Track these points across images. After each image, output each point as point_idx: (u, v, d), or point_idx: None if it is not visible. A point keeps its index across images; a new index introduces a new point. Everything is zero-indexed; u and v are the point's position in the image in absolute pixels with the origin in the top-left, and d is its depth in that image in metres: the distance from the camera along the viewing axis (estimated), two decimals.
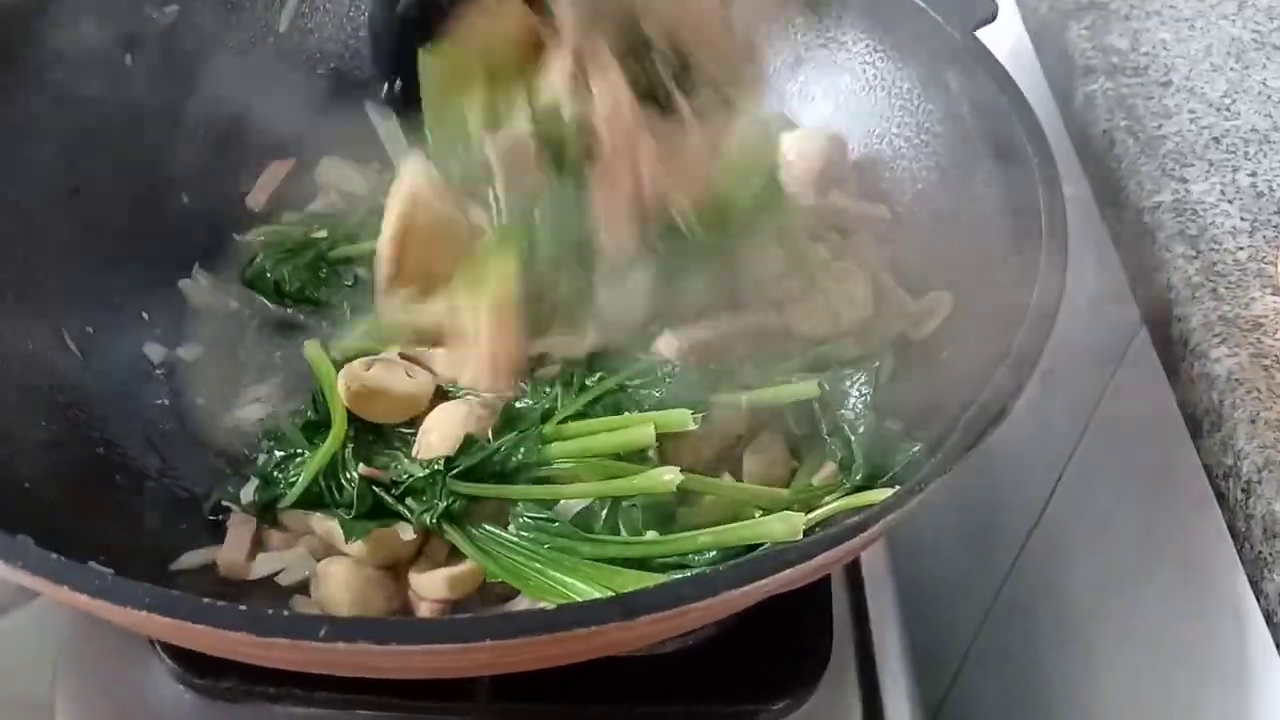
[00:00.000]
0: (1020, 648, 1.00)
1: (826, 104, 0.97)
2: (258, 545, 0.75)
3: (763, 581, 0.54)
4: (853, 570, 0.90)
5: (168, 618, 0.51)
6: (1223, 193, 0.79)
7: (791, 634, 0.84)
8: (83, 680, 0.85)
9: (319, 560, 0.73)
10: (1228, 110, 0.86)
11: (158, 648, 0.81)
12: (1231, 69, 0.89)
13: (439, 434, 0.73)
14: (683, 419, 0.69)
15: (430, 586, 0.70)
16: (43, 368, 0.80)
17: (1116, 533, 0.87)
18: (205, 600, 0.51)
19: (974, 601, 1.06)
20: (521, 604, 0.69)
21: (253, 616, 0.51)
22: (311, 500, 0.72)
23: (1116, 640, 0.86)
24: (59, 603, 0.56)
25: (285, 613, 0.56)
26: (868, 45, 0.94)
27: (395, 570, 0.73)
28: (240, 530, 0.74)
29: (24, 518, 0.61)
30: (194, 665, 0.80)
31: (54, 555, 0.54)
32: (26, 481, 0.71)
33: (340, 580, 0.70)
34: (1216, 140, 0.83)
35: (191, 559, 0.74)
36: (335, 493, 0.72)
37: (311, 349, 0.79)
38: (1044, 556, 0.98)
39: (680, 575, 0.64)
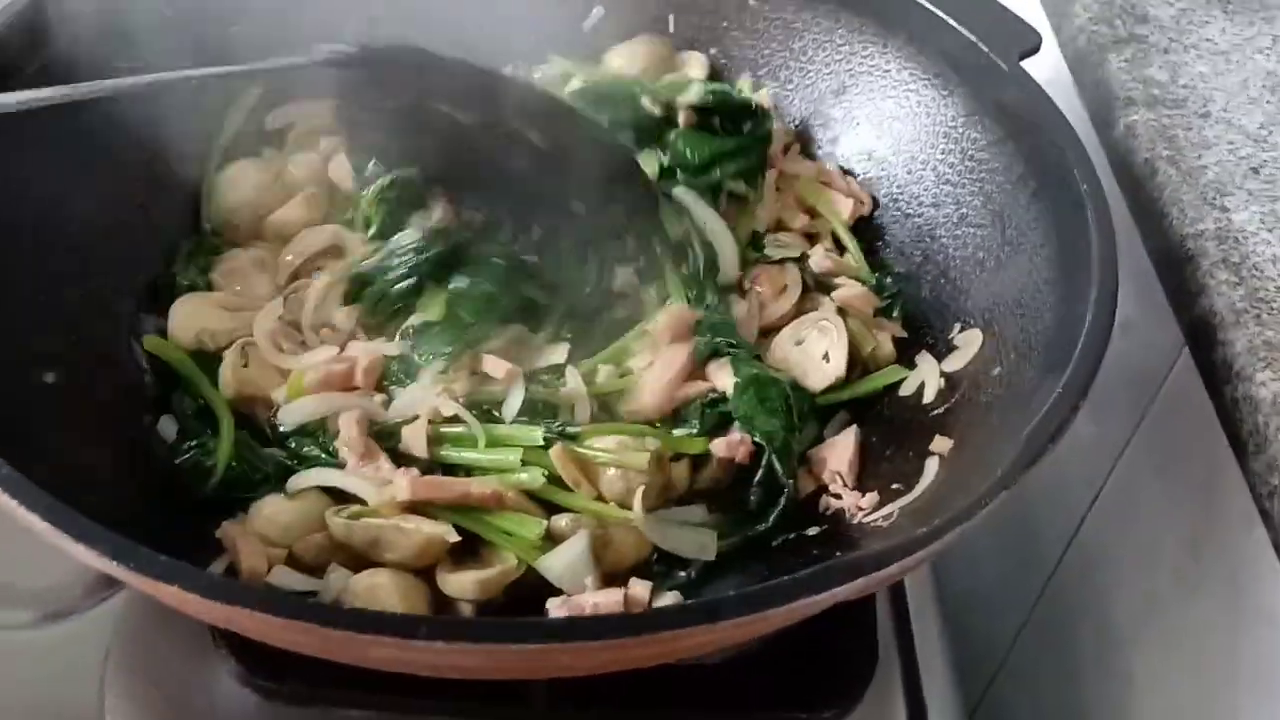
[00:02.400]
0: (1056, 662, 1.02)
1: (870, 130, 1.00)
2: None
3: (838, 589, 0.56)
4: (896, 584, 0.92)
5: (275, 616, 0.53)
6: (1263, 221, 0.82)
7: (838, 645, 0.86)
8: (137, 679, 0.87)
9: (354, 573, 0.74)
10: (1265, 141, 0.89)
11: (222, 646, 0.83)
12: (1268, 101, 0.92)
13: None
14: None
15: (460, 587, 0.73)
16: None
17: (1158, 550, 0.89)
18: (310, 601, 0.54)
19: (1010, 615, 1.08)
20: (556, 604, 0.72)
21: (356, 616, 0.53)
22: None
23: (1157, 657, 0.88)
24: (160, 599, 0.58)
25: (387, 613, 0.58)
26: (912, 73, 0.96)
27: (429, 573, 0.75)
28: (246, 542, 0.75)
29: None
30: (259, 665, 0.82)
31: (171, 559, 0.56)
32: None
33: (390, 589, 0.71)
34: (1255, 170, 0.86)
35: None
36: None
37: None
38: (1083, 571, 1.00)
39: None
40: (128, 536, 0.57)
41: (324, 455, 0.79)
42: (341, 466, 0.78)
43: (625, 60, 1.05)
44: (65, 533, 0.56)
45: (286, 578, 0.74)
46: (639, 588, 0.74)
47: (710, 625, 0.54)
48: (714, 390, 0.83)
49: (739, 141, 0.95)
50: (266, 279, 0.91)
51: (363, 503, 0.75)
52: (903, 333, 0.91)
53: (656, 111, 0.96)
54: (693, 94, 0.96)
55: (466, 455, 0.78)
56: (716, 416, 0.82)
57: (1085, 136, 0.94)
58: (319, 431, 0.81)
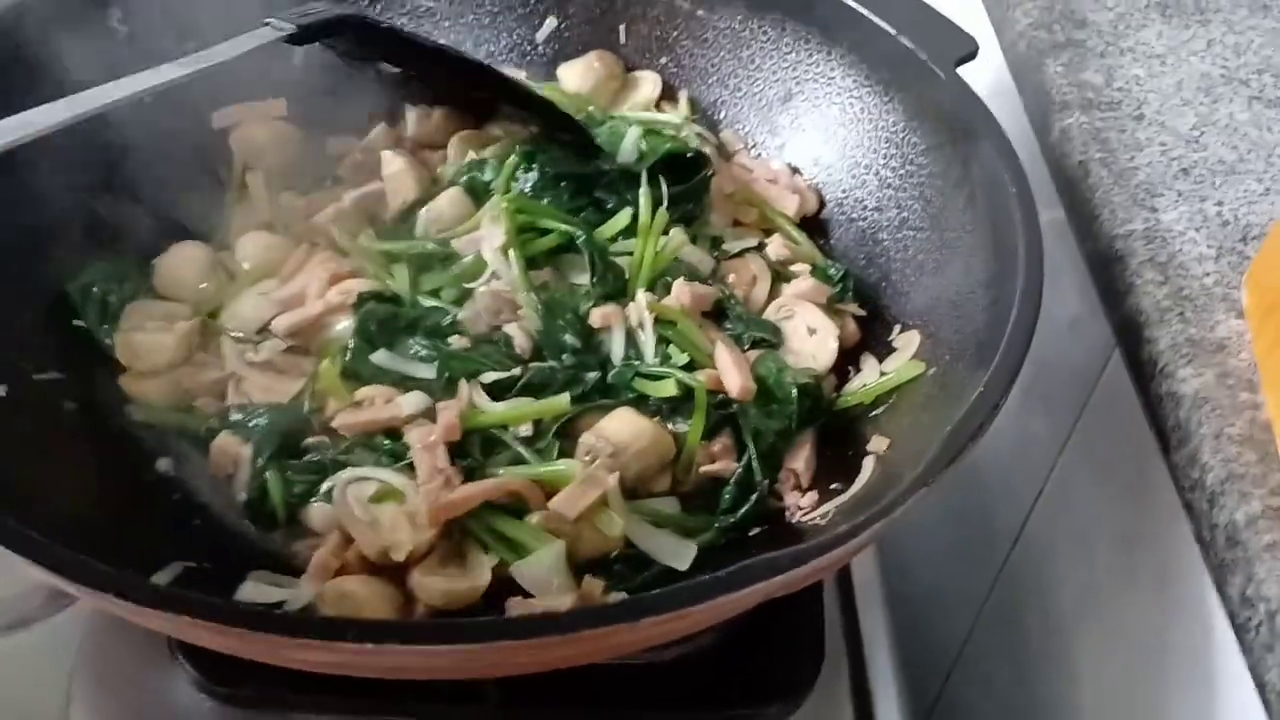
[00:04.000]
0: (1006, 655, 1.04)
1: (816, 136, 1.02)
2: None
3: (758, 586, 0.58)
4: (843, 580, 0.94)
5: (206, 621, 0.54)
6: (1190, 221, 0.84)
7: (785, 642, 0.88)
8: (100, 690, 0.88)
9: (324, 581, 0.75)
10: (1196, 142, 0.91)
11: (179, 655, 0.85)
12: (1201, 103, 0.94)
13: None
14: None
15: (429, 594, 0.74)
16: None
17: (1095, 543, 0.91)
18: (244, 605, 0.55)
19: (961, 611, 1.10)
20: (514, 604, 0.73)
21: (286, 620, 0.54)
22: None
23: (1097, 646, 0.90)
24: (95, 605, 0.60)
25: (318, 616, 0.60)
26: (855, 80, 0.99)
27: (399, 580, 0.76)
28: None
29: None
30: (214, 672, 0.84)
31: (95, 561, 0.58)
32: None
33: (356, 594, 0.73)
34: (1185, 171, 0.88)
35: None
36: None
37: None
38: (1028, 567, 1.02)
39: None
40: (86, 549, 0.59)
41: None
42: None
43: (577, 77, 1.07)
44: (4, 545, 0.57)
45: (257, 590, 0.75)
46: (592, 587, 0.75)
47: (632, 624, 0.56)
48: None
49: (685, 188, 0.95)
50: None
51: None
52: (861, 312, 0.93)
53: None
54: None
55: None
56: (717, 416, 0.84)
57: (1027, 141, 0.97)
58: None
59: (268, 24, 0.85)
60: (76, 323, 0.89)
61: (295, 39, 0.86)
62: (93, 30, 0.95)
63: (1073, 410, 0.95)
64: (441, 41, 1.07)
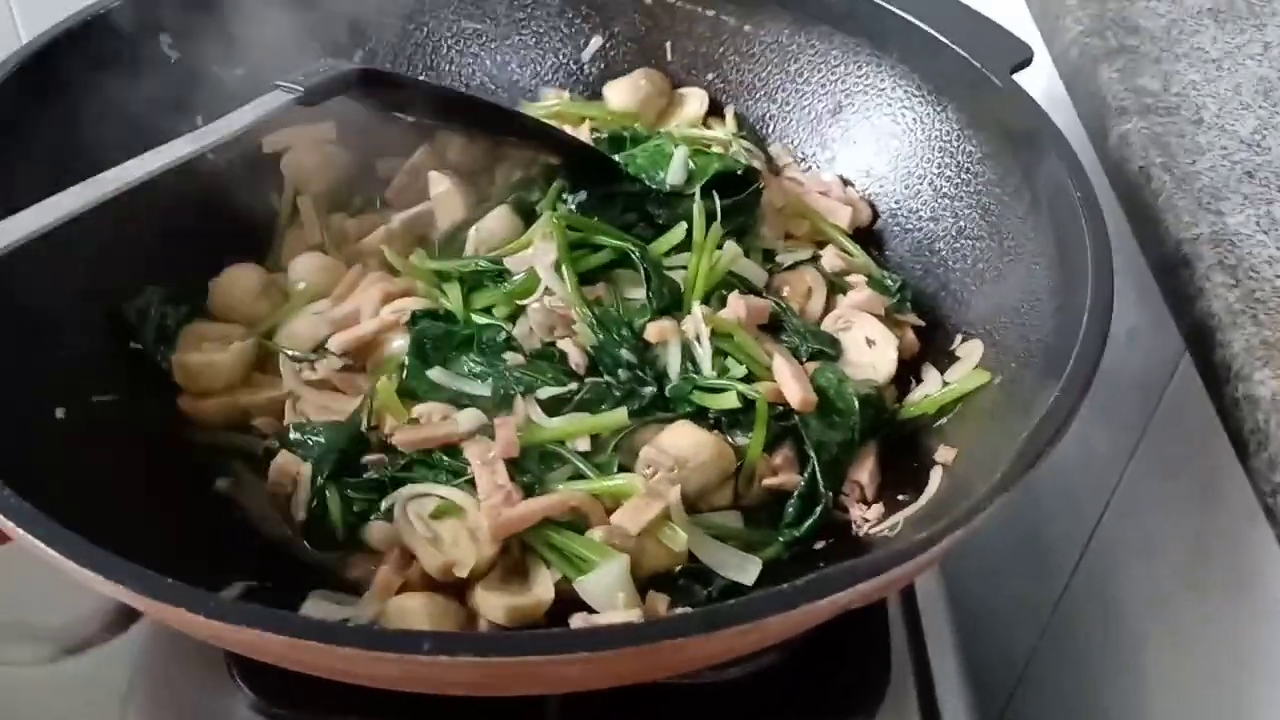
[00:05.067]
0: (1074, 669, 1.02)
1: (868, 147, 1.01)
2: None
3: (837, 596, 0.57)
4: (908, 596, 0.92)
5: (278, 635, 0.54)
6: (1258, 224, 0.82)
7: (851, 659, 0.86)
8: (159, 714, 0.88)
9: (387, 599, 0.75)
10: (1259, 146, 0.89)
11: (236, 677, 0.84)
12: (1261, 107, 0.92)
13: None
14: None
15: (491, 610, 0.73)
16: None
17: (1165, 553, 0.89)
18: (315, 619, 0.54)
19: (1027, 625, 1.08)
20: (577, 620, 0.72)
21: (360, 633, 0.53)
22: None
23: (1168, 657, 0.88)
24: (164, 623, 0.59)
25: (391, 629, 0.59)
26: (906, 90, 0.98)
27: (461, 597, 0.75)
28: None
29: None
30: (273, 695, 0.83)
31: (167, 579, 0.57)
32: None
33: (419, 611, 0.72)
34: (1250, 174, 0.86)
35: None
36: None
37: None
38: (1095, 579, 1.00)
39: None
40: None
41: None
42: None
43: (623, 95, 1.07)
44: (64, 555, 0.57)
45: (319, 608, 0.74)
46: (656, 602, 0.74)
47: (707, 635, 0.54)
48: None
49: (736, 201, 0.94)
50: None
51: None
52: (920, 322, 0.92)
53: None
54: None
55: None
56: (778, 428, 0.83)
57: (1080, 147, 0.95)
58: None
59: (277, 87, 0.84)
60: (134, 345, 0.89)
61: (304, 100, 0.84)
62: (145, 55, 0.96)
63: (1138, 423, 0.94)
64: (454, 89, 1.07)
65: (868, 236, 0.99)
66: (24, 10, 1.31)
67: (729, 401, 0.81)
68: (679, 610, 0.74)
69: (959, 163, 0.93)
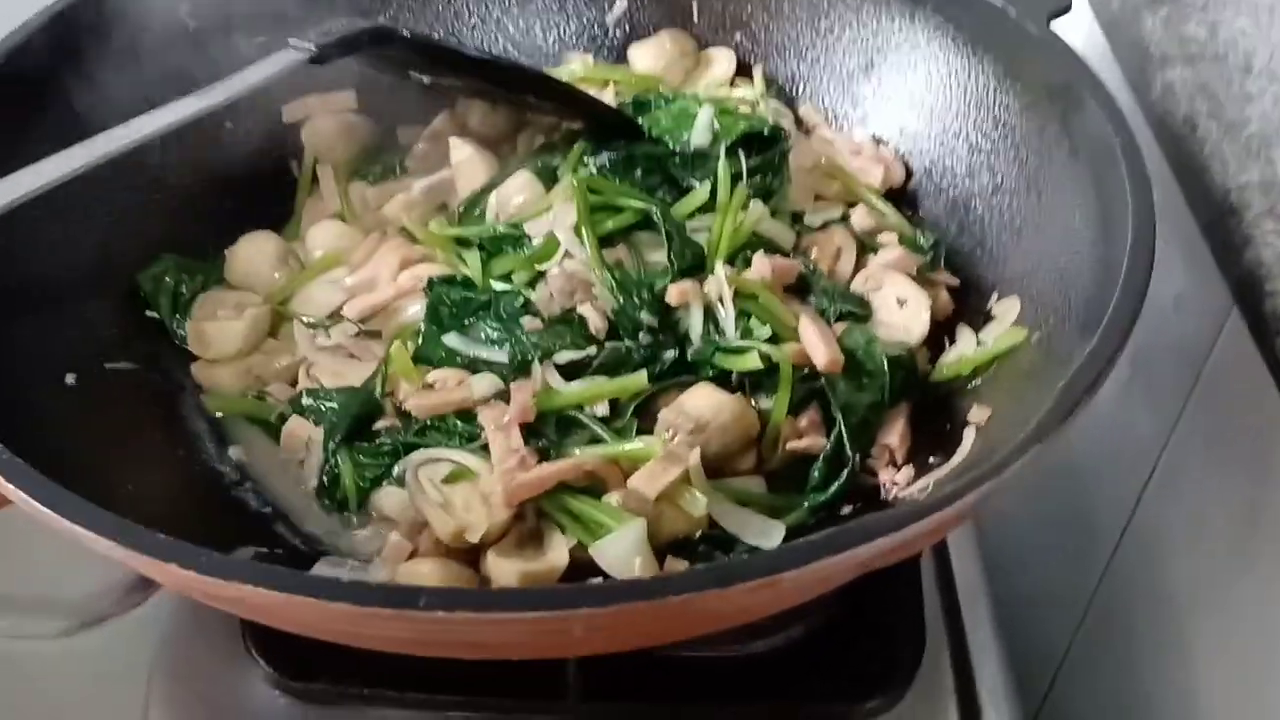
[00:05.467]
0: (1117, 652, 0.97)
1: (901, 104, 0.97)
2: None
3: (857, 550, 0.54)
4: (944, 571, 0.88)
5: (270, 590, 0.52)
6: None
7: (883, 634, 0.83)
8: (177, 686, 0.87)
9: (398, 564, 0.73)
10: None
11: (252, 650, 0.83)
12: None
13: None
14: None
15: (504, 576, 0.71)
16: None
17: (1211, 526, 0.84)
18: (306, 574, 0.52)
19: (1068, 607, 1.03)
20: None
21: (353, 588, 0.51)
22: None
23: (1214, 634, 0.84)
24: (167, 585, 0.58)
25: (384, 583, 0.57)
26: (941, 43, 0.94)
27: (474, 563, 0.73)
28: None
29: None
30: (288, 667, 0.81)
31: (160, 535, 0.55)
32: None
33: (430, 577, 0.70)
34: None
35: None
36: None
37: None
38: (1136, 560, 0.95)
39: None
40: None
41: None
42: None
43: (648, 58, 1.05)
44: (57, 513, 0.55)
45: (329, 572, 0.73)
46: (675, 567, 0.72)
47: (722, 590, 0.52)
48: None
49: (762, 160, 0.91)
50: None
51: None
52: (954, 280, 0.88)
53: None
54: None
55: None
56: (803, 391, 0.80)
57: (1121, 99, 0.91)
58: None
59: (289, 45, 0.83)
60: (149, 313, 0.88)
61: (316, 59, 0.83)
62: (165, 22, 0.95)
63: (1181, 390, 0.89)
64: (472, 49, 1.05)
65: (901, 196, 0.95)
66: None
67: (751, 363, 0.78)
68: None
69: (995, 116, 0.90)
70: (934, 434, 0.78)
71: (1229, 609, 0.83)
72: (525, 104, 0.98)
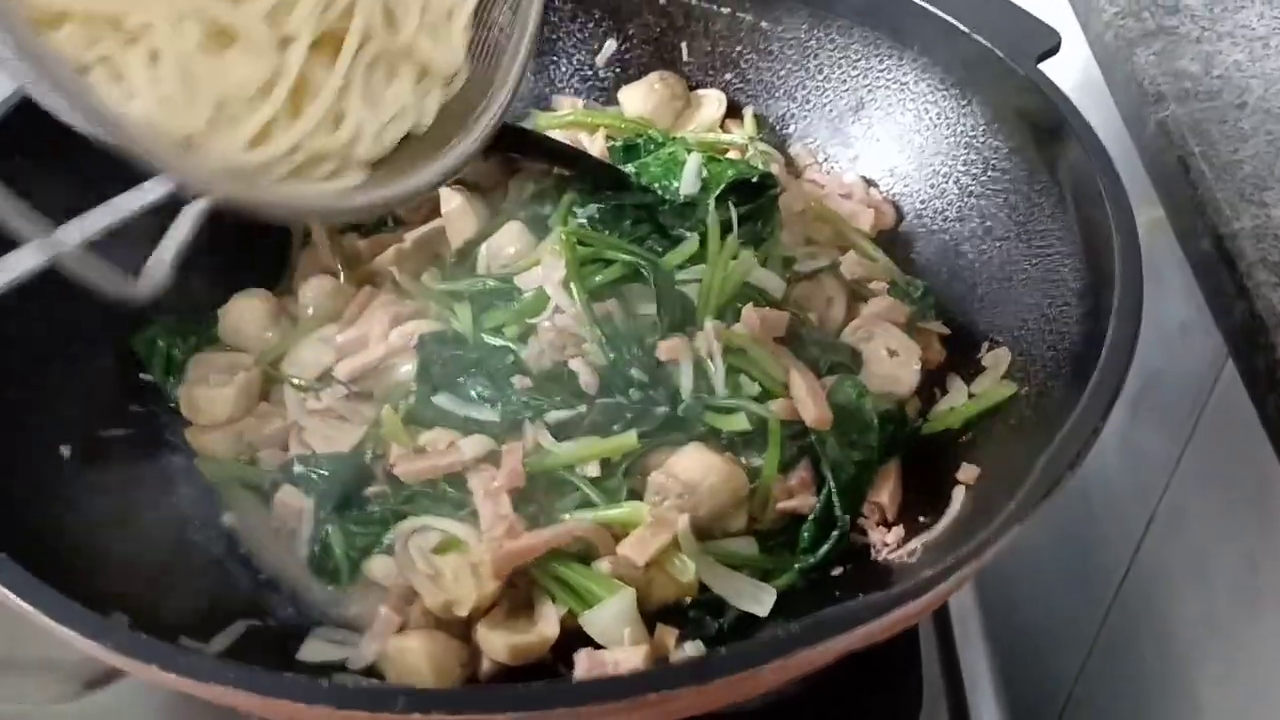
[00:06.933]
0: (1122, 691, 0.97)
1: (891, 145, 0.97)
2: None
3: (836, 640, 0.53)
4: (941, 619, 0.88)
5: (249, 692, 0.52)
6: None
7: (880, 687, 0.83)
8: None
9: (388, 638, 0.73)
10: None
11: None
12: None
13: None
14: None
15: (494, 648, 0.71)
16: None
17: (1215, 566, 0.83)
18: (285, 676, 0.52)
19: (1073, 646, 1.03)
20: (582, 657, 0.69)
21: (333, 691, 0.51)
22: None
23: (1220, 675, 0.83)
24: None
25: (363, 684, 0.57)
26: (930, 84, 0.93)
27: (466, 633, 0.73)
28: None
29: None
30: None
31: (142, 635, 0.56)
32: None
33: (419, 651, 0.70)
34: None
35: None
36: None
37: None
38: (1142, 595, 0.94)
39: None
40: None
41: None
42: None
43: (639, 100, 1.04)
44: (31, 606, 0.56)
45: (319, 649, 0.73)
46: (665, 635, 0.72)
47: (700, 686, 0.51)
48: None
49: (752, 207, 0.91)
50: None
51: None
52: (945, 330, 0.88)
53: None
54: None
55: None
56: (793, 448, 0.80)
57: (1118, 138, 0.90)
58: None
59: None
60: (144, 376, 0.88)
61: None
62: None
63: (1187, 422, 0.88)
64: None
65: (893, 238, 0.95)
66: None
67: (739, 424, 0.78)
68: (689, 644, 0.71)
69: (985, 159, 0.89)
70: (924, 491, 0.78)
71: (1232, 648, 0.82)
72: (508, 154, 0.97)
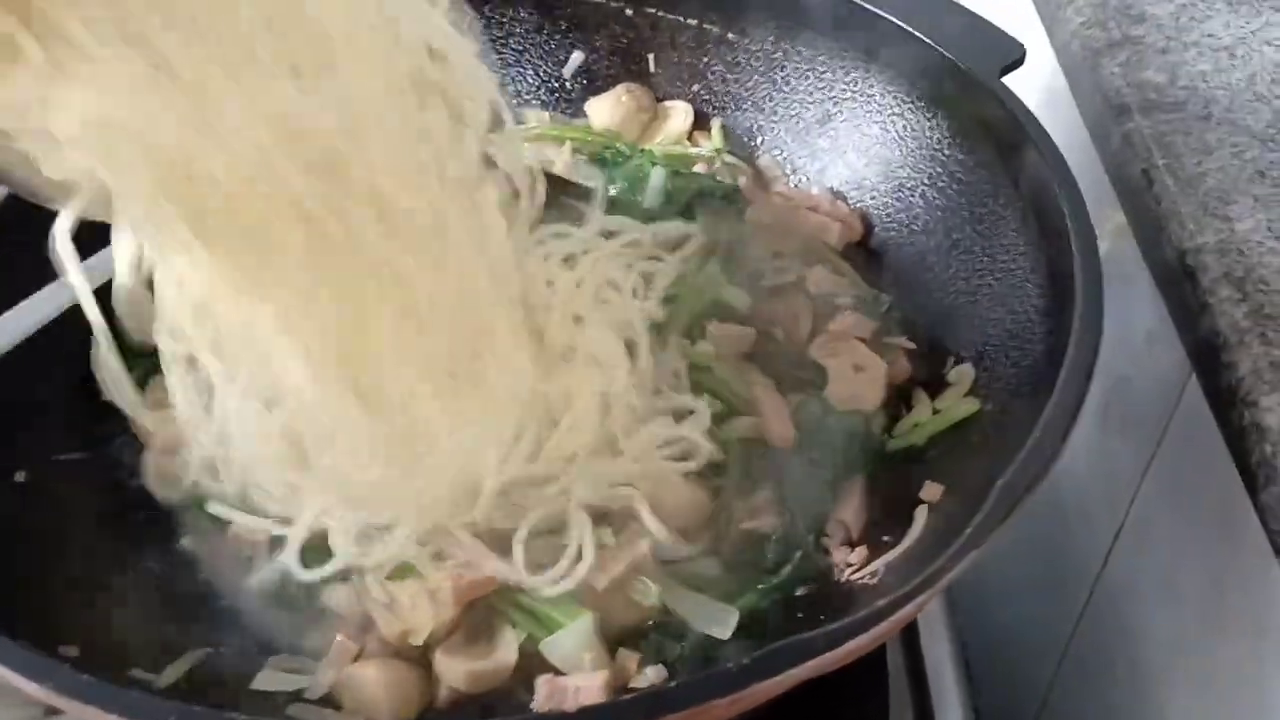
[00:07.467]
0: (1094, 706, 0.96)
1: (857, 157, 0.96)
2: None
3: (789, 673, 0.53)
4: (908, 633, 0.87)
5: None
6: (1270, 229, 0.76)
7: (844, 702, 0.82)
8: None
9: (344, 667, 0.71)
10: (1273, 141, 0.83)
11: None
12: (1277, 98, 0.86)
13: None
14: None
15: (452, 676, 0.70)
16: None
17: (1183, 584, 0.83)
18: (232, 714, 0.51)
19: (1044, 656, 1.02)
20: (541, 683, 0.68)
21: None
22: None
23: (1188, 698, 0.82)
24: None
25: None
26: (896, 97, 0.93)
27: (425, 660, 0.72)
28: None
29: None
30: None
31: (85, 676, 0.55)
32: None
33: (376, 680, 0.69)
34: (1261, 174, 0.80)
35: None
36: None
37: None
38: (1112, 608, 0.94)
39: None
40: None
41: None
42: None
43: (605, 112, 1.03)
44: None
45: (274, 678, 0.72)
46: (626, 660, 0.71)
47: None
48: None
49: (718, 219, 0.91)
50: None
51: None
52: (911, 345, 0.86)
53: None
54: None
55: None
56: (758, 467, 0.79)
57: (1084, 149, 0.90)
58: None
59: None
60: (105, 399, 0.87)
61: None
62: None
63: (1155, 431, 0.88)
64: None
65: (860, 251, 0.94)
66: None
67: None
68: (650, 669, 0.70)
69: (950, 172, 0.88)
70: (889, 509, 0.77)
71: (1198, 676, 0.81)
72: None
